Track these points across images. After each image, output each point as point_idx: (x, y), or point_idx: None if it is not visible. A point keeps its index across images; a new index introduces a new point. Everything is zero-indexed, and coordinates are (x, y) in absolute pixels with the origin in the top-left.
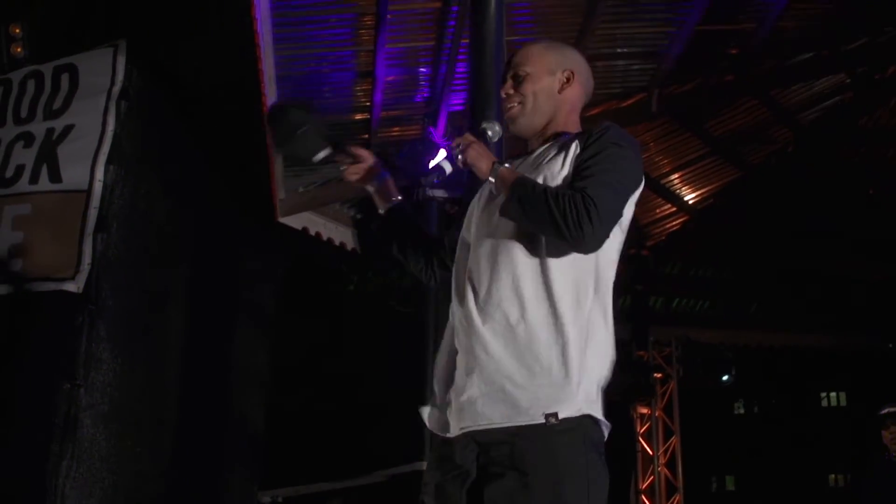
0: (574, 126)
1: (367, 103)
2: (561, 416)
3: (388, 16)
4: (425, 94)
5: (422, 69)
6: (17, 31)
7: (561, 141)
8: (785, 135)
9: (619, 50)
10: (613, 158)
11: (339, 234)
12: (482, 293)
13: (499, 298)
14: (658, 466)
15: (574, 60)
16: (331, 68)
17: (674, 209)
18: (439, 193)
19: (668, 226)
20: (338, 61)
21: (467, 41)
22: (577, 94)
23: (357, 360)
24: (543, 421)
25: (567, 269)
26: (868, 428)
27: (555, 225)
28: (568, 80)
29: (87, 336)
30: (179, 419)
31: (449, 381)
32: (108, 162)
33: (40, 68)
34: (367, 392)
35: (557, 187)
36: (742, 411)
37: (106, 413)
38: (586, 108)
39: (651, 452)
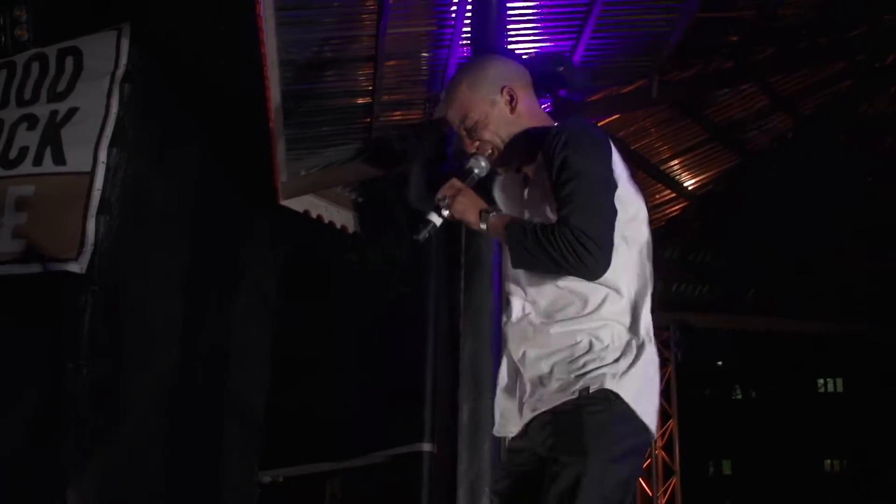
0: (543, 120)
1: (370, 87)
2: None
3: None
4: (427, 79)
5: (424, 53)
6: (22, 14)
7: (539, 160)
8: (785, 122)
9: (619, 36)
10: (580, 172)
11: (341, 217)
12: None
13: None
14: (655, 450)
15: (499, 73)
16: (333, 52)
17: (673, 195)
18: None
19: (667, 211)
20: (339, 45)
21: (469, 25)
22: (526, 96)
23: (358, 342)
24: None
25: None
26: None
27: (556, 265)
28: (511, 96)
29: (89, 316)
30: (180, 400)
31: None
32: (112, 144)
33: (44, 51)
34: (367, 373)
35: (546, 223)
36: (739, 396)
37: (107, 394)
38: (588, 94)
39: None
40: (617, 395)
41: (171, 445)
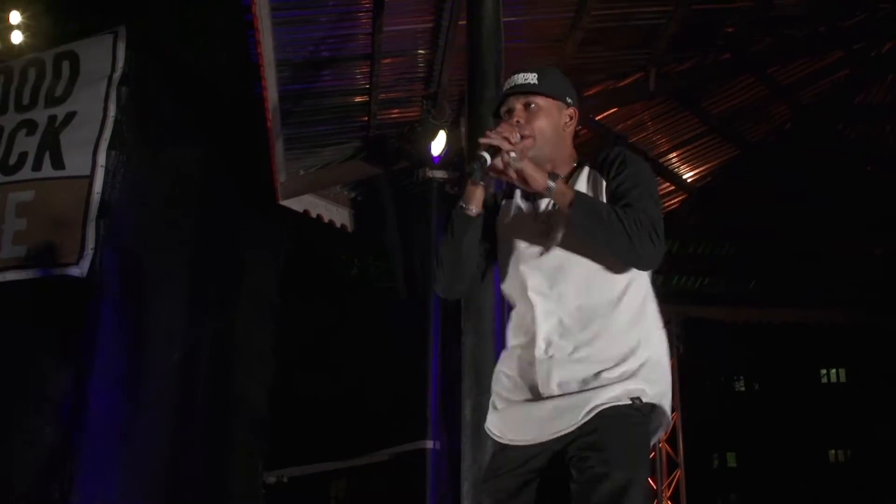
0: (573, 155)
1: (367, 85)
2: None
3: None
4: (424, 76)
5: (420, 51)
6: (17, 18)
7: (583, 172)
8: (783, 112)
9: (616, 28)
10: (645, 177)
11: (340, 216)
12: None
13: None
14: (659, 443)
15: (574, 97)
16: (330, 51)
17: (672, 187)
18: (439, 174)
19: (666, 204)
20: (336, 44)
21: (465, 22)
22: (573, 130)
23: (360, 341)
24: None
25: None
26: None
27: (627, 239)
28: (571, 118)
29: (92, 320)
30: (183, 401)
31: None
32: (110, 147)
33: (41, 56)
34: (370, 372)
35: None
36: (743, 388)
37: (111, 395)
38: (584, 88)
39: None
40: (654, 407)
41: (177, 444)
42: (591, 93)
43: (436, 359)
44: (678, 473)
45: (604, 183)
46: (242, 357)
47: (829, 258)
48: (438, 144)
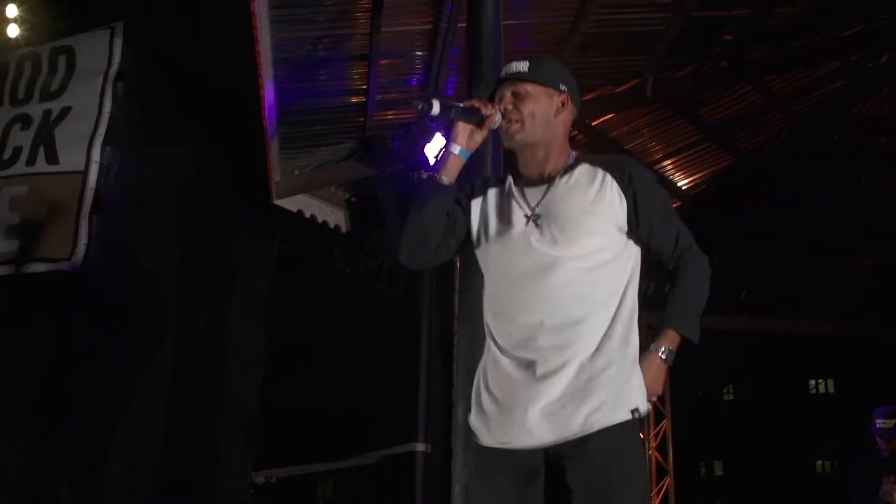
0: (567, 147)
1: (363, 86)
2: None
3: None
4: (421, 78)
5: (418, 52)
6: (14, 12)
7: (582, 169)
8: (779, 121)
9: (614, 34)
10: (668, 198)
11: (334, 216)
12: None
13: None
14: (649, 450)
15: (570, 83)
16: (327, 51)
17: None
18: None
19: None
20: (334, 44)
21: (464, 24)
22: (569, 117)
23: (352, 342)
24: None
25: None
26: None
27: (709, 281)
28: (563, 104)
29: (84, 315)
30: (175, 398)
31: None
32: (105, 143)
33: (37, 50)
34: (361, 373)
35: (683, 271)
36: (731, 397)
37: (102, 393)
38: (582, 93)
39: (642, 436)
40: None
41: (166, 443)
42: (588, 98)
43: (427, 360)
44: (667, 481)
45: (620, 192)
46: (233, 356)
47: (820, 268)
48: (434, 147)
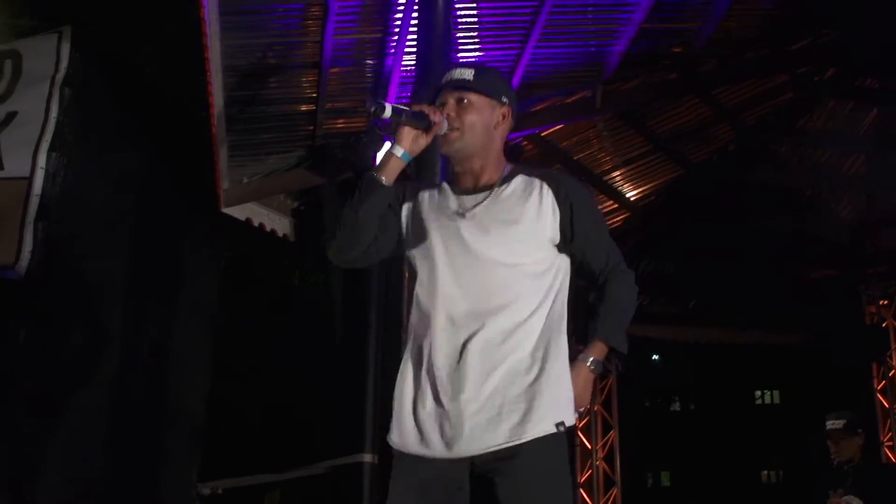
0: (503, 158)
1: (314, 94)
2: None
3: (336, 6)
4: (371, 87)
5: (368, 61)
6: None
7: (518, 180)
8: (727, 133)
9: (564, 45)
10: (601, 216)
11: (283, 225)
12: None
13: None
14: (596, 460)
15: (510, 96)
16: (277, 58)
17: (615, 206)
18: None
19: (609, 222)
20: (284, 51)
21: (415, 34)
22: (507, 130)
23: (300, 352)
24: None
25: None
26: (800, 426)
27: (636, 295)
28: (504, 116)
29: (27, 324)
30: (119, 408)
31: None
32: (51, 149)
33: None
34: (307, 384)
35: (606, 288)
36: (678, 408)
37: (44, 402)
38: (532, 104)
39: (590, 446)
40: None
41: (110, 454)
42: (538, 108)
43: (374, 370)
44: (615, 491)
45: (555, 204)
46: (179, 366)
47: (766, 279)
48: (383, 155)
